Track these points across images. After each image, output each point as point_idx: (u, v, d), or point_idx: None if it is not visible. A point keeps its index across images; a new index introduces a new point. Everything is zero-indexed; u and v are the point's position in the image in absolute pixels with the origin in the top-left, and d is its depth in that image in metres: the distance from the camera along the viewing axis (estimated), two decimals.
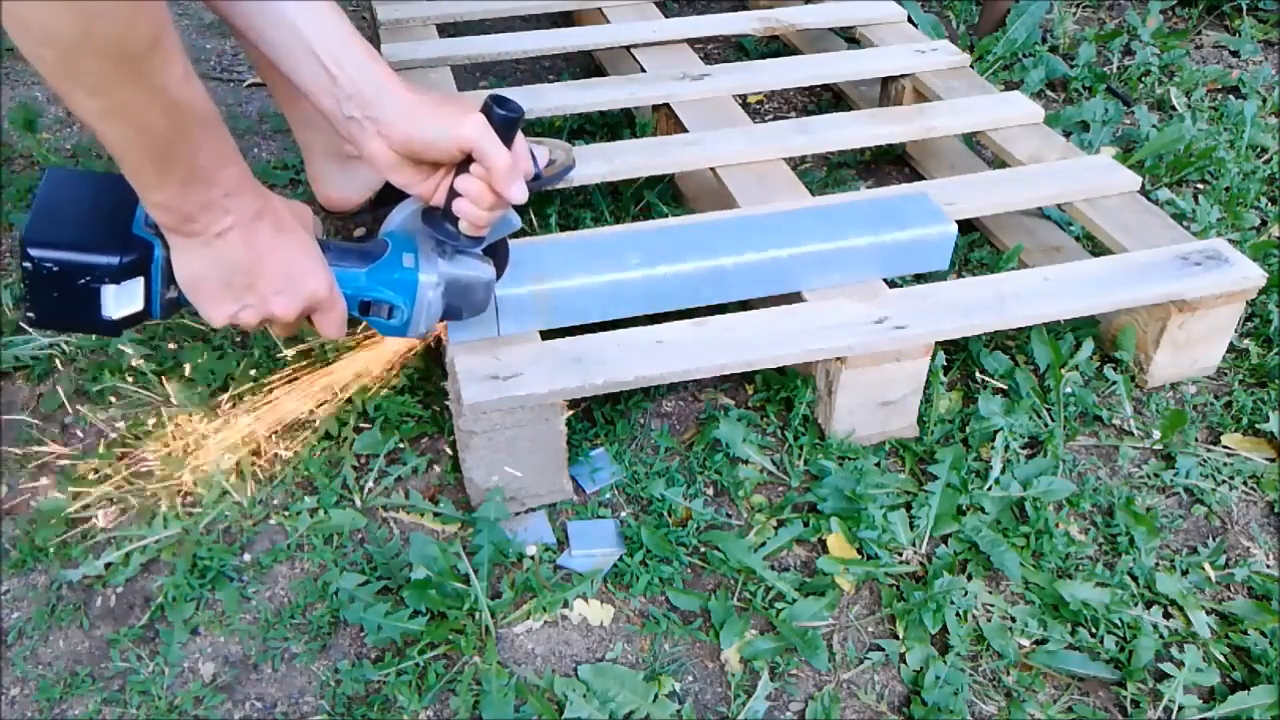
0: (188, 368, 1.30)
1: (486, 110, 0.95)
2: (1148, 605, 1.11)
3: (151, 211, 0.87)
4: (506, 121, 0.95)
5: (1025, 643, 1.08)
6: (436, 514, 1.18)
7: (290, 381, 1.24)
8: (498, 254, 1.10)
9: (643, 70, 1.75)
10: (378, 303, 1.03)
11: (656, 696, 1.01)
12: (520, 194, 0.96)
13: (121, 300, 0.92)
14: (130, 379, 1.30)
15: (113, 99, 0.75)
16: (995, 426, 1.26)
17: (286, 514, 1.18)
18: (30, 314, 0.92)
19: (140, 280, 0.92)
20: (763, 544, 1.15)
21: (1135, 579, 1.14)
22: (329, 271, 0.97)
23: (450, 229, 1.00)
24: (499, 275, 1.10)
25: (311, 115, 1.23)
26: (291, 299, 0.94)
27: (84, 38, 0.70)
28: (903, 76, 1.78)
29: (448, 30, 1.85)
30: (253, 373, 1.29)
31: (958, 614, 1.08)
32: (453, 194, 0.98)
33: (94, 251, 0.89)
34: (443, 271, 1.04)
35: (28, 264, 0.88)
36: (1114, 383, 1.35)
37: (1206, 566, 1.16)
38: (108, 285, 0.90)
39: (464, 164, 0.97)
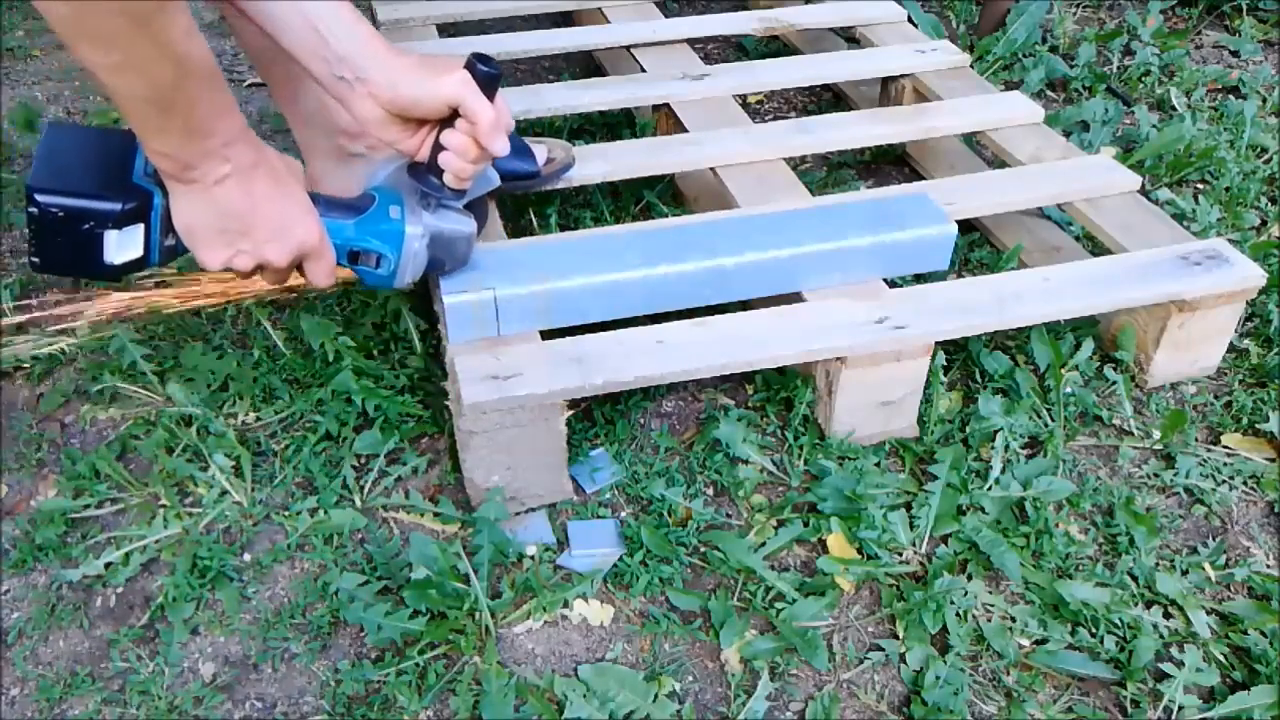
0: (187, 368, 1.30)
1: (469, 67, 0.99)
2: (1148, 605, 1.11)
3: (153, 159, 0.91)
4: (489, 77, 1.00)
5: (1025, 643, 1.08)
6: (436, 514, 1.18)
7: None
8: (477, 211, 1.15)
9: (643, 70, 1.75)
10: (366, 252, 1.07)
11: (656, 696, 1.01)
12: (503, 146, 1.02)
13: (123, 246, 0.95)
14: (130, 379, 1.30)
15: (121, 52, 0.79)
16: (995, 426, 1.26)
17: (286, 514, 1.18)
18: (35, 259, 0.96)
19: (140, 227, 0.96)
20: (763, 544, 1.15)
21: (1135, 579, 1.14)
22: (320, 221, 1.02)
23: (435, 182, 1.05)
24: (479, 231, 1.16)
25: (312, 114, 1.23)
26: (284, 246, 0.98)
27: None
28: (903, 76, 1.78)
29: (448, 30, 1.85)
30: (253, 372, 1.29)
31: (958, 614, 1.08)
32: (437, 148, 1.03)
33: (97, 198, 0.93)
34: (427, 223, 1.09)
35: (33, 209, 0.92)
36: (1114, 383, 1.35)
37: (1206, 566, 1.16)
38: (110, 231, 0.94)
39: (448, 119, 1.01)
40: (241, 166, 0.92)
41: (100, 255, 0.95)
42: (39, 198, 0.92)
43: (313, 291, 1.26)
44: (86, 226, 0.93)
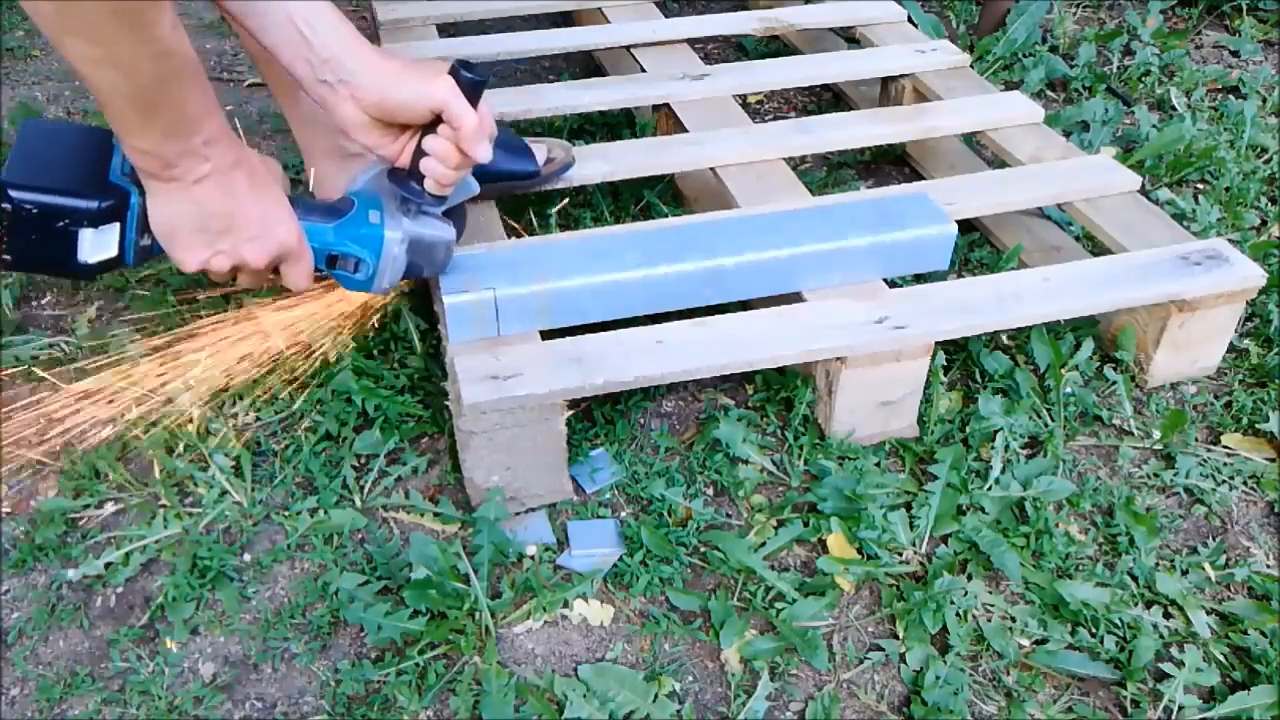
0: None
1: (454, 73, 0.99)
2: (1148, 605, 1.11)
3: (133, 157, 0.90)
4: (474, 84, 0.99)
5: (1025, 643, 1.08)
6: (436, 514, 1.18)
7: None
8: (456, 219, 1.16)
9: (643, 70, 1.75)
10: (344, 256, 1.07)
11: (656, 696, 1.01)
12: (485, 153, 1.01)
13: (97, 245, 0.95)
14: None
15: (106, 47, 0.79)
16: (995, 426, 1.26)
17: (286, 514, 1.18)
18: (6, 256, 0.94)
19: (116, 227, 0.95)
20: (763, 544, 1.15)
21: (1135, 579, 1.14)
22: (299, 223, 1.01)
23: (416, 188, 1.05)
24: (458, 238, 1.16)
25: (312, 114, 1.23)
26: (263, 247, 0.98)
27: None
28: (903, 76, 1.78)
29: (448, 30, 1.85)
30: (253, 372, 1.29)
31: (958, 614, 1.08)
32: (419, 154, 1.02)
33: (73, 195, 0.92)
34: (407, 229, 1.08)
35: (7, 205, 0.91)
36: (1114, 383, 1.35)
37: (1206, 566, 1.16)
38: (85, 229, 0.93)
39: (431, 125, 1.01)
40: (222, 166, 0.92)
41: (74, 254, 0.94)
42: (13, 193, 0.91)
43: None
44: (61, 224, 0.92)
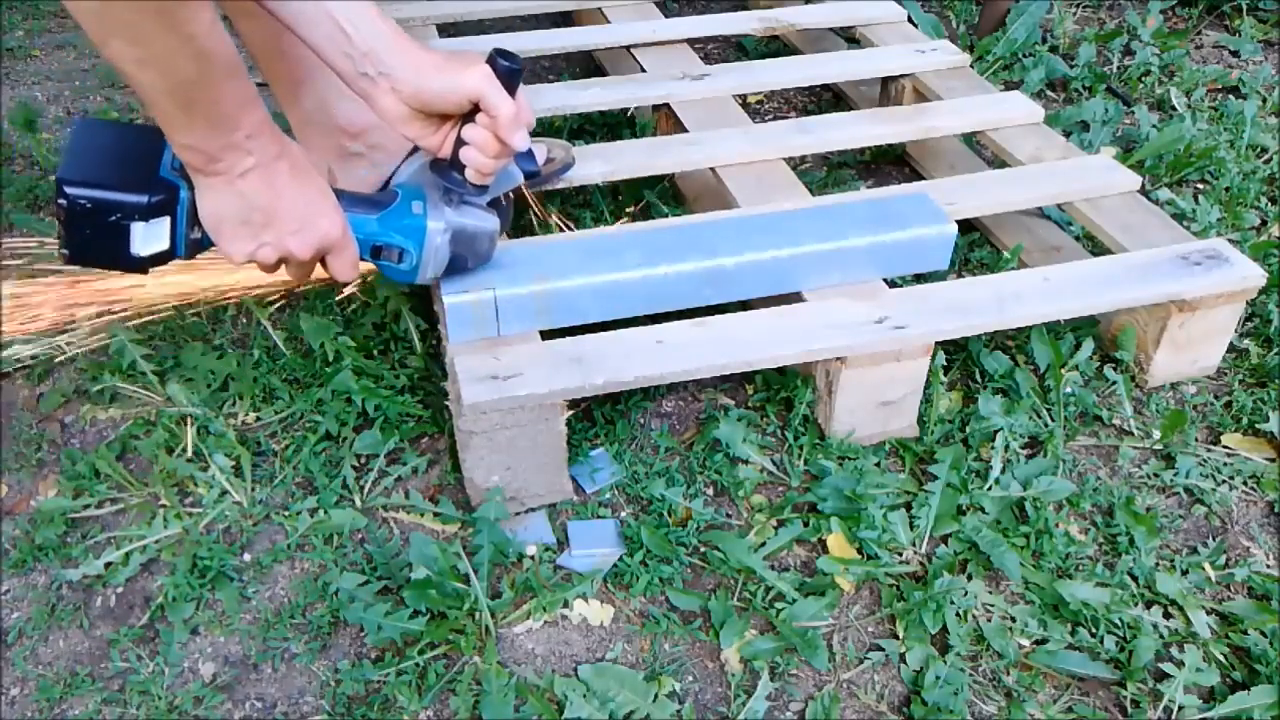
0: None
1: (491, 62, 1.00)
2: (1148, 605, 1.11)
3: (179, 152, 0.92)
4: (510, 73, 1.01)
5: (1025, 643, 1.08)
6: (436, 514, 1.18)
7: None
8: (500, 209, 1.17)
9: (643, 70, 1.75)
10: (388, 247, 1.09)
11: (656, 696, 1.01)
12: (523, 141, 1.03)
13: (149, 238, 0.97)
14: (130, 379, 1.30)
15: (147, 47, 0.81)
16: (995, 426, 1.26)
17: (286, 514, 1.18)
18: (64, 250, 0.97)
19: (167, 220, 0.98)
20: (763, 544, 1.15)
21: (1135, 579, 1.14)
22: (343, 215, 1.03)
23: (457, 177, 1.07)
24: (501, 230, 1.17)
25: (312, 114, 1.23)
26: (307, 238, 0.99)
27: None
28: (903, 76, 1.78)
29: (448, 30, 1.86)
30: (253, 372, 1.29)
31: (958, 614, 1.08)
32: (459, 143, 1.04)
33: (125, 190, 0.95)
34: (450, 219, 1.10)
35: (63, 201, 0.94)
36: (1114, 383, 1.35)
37: (1206, 566, 1.16)
38: (137, 223, 0.96)
39: (470, 115, 1.03)
40: (265, 159, 0.94)
41: (127, 247, 0.97)
42: (68, 190, 0.93)
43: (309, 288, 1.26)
44: (114, 219, 0.95)
